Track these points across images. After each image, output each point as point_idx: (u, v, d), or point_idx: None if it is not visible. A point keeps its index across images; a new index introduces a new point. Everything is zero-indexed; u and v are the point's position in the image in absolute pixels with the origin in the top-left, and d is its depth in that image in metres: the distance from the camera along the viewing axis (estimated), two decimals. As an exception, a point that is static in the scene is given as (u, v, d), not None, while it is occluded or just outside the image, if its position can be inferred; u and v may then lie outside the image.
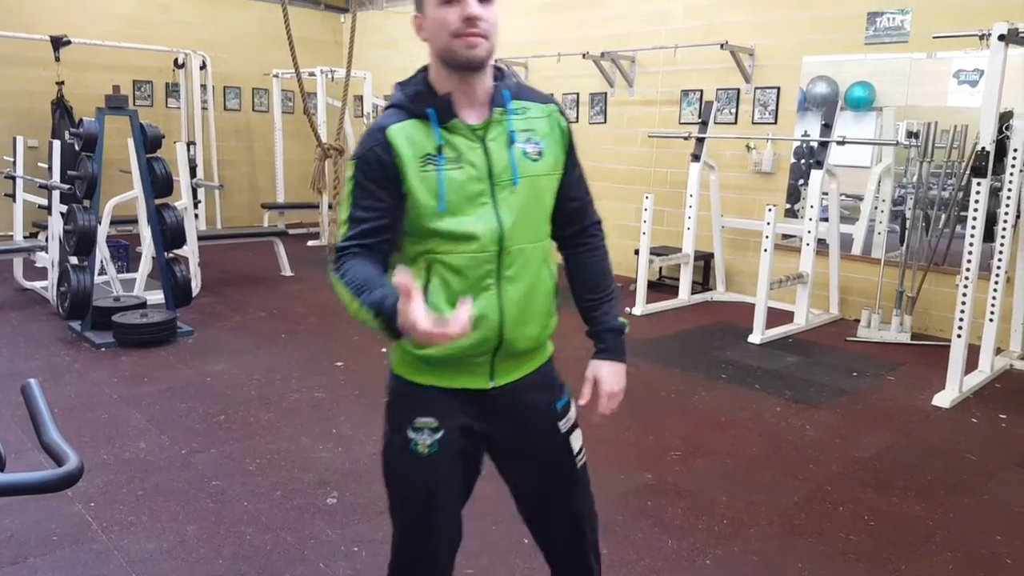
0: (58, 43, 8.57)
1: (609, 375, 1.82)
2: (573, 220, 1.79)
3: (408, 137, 1.57)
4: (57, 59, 8.59)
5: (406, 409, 1.71)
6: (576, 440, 1.83)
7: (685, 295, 7.01)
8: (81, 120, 5.56)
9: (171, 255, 5.72)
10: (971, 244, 4.53)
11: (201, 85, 9.82)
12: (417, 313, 1.34)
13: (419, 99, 1.60)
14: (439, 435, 1.68)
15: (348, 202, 1.60)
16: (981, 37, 4.58)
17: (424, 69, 1.66)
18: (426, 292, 1.59)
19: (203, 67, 9.79)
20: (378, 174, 1.57)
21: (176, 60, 9.83)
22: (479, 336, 1.60)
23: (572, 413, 1.84)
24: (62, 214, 5.70)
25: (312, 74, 9.45)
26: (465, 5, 1.50)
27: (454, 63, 1.56)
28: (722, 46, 6.87)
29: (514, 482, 1.86)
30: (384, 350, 5.89)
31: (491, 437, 1.76)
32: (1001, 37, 4.38)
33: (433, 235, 1.59)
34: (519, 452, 1.80)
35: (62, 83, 8.73)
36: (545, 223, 1.72)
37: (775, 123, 7.01)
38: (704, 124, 6.81)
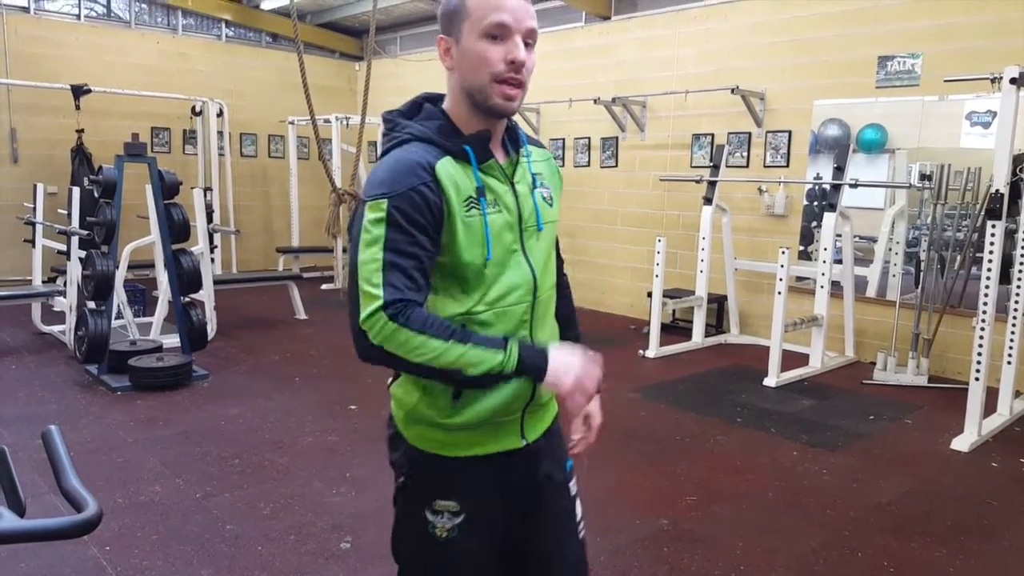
0: (78, 92, 8.75)
1: (596, 408, 1.63)
2: (558, 259, 1.73)
3: (451, 176, 1.40)
4: (77, 107, 8.78)
5: (424, 491, 1.56)
6: (579, 508, 1.72)
7: (699, 338, 6.99)
8: (101, 167, 5.65)
9: (187, 299, 5.77)
10: (987, 286, 4.51)
11: (218, 132, 9.98)
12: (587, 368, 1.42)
13: (446, 134, 1.44)
14: (459, 519, 1.53)
15: (378, 247, 1.35)
16: (993, 80, 4.61)
17: (428, 100, 1.51)
18: None
19: (220, 114, 9.97)
20: (421, 216, 1.36)
21: (194, 108, 10.01)
22: (515, 391, 1.50)
23: (575, 480, 1.74)
24: (80, 259, 5.77)
25: (327, 121, 9.60)
26: (512, 47, 1.38)
27: (484, 107, 1.42)
28: (733, 90, 6.94)
29: (520, 542, 1.64)
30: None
31: (514, 500, 1.61)
32: (1013, 80, 4.41)
33: (477, 289, 1.45)
34: (535, 511, 1.64)
35: (82, 131, 8.91)
36: (555, 269, 1.66)
37: (787, 166, 7.05)
38: (716, 167, 6.85)
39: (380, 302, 1.34)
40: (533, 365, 1.39)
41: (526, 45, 1.40)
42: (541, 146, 1.64)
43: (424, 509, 1.55)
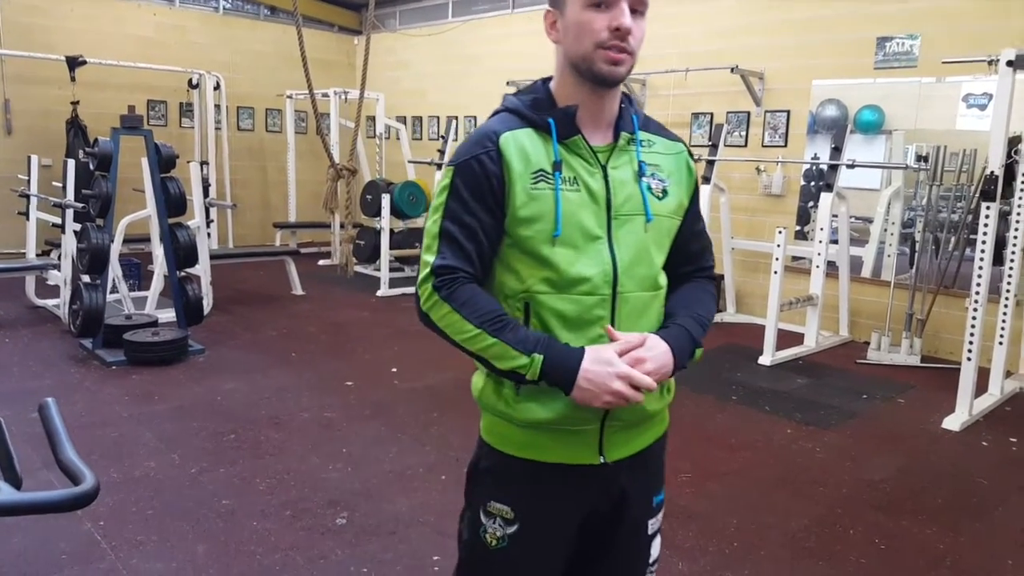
0: (74, 63, 8.67)
1: (648, 341, 1.36)
2: (688, 261, 1.54)
3: (520, 147, 1.36)
4: (73, 79, 8.69)
5: (484, 485, 1.47)
6: (655, 548, 1.57)
7: (694, 316, 6.99)
8: (96, 139, 5.62)
9: (183, 274, 5.76)
10: (980, 267, 4.53)
11: (215, 105, 9.92)
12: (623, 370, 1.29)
13: (538, 107, 1.40)
14: (512, 529, 1.42)
15: (439, 215, 1.37)
16: (990, 63, 4.59)
17: (544, 80, 1.46)
18: None
19: (217, 87, 9.89)
20: (480, 185, 1.35)
21: (191, 80, 9.94)
22: None
23: (660, 516, 1.58)
24: (75, 232, 5.75)
25: (325, 95, 9.54)
26: (618, 13, 1.31)
27: (590, 75, 1.36)
28: (732, 70, 6.90)
29: (575, 571, 1.55)
30: (394, 369, 5.82)
31: (582, 525, 1.49)
32: (1010, 63, 4.40)
33: (539, 268, 1.36)
34: (598, 540, 1.51)
35: (77, 103, 8.83)
36: (661, 271, 1.47)
37: (785, 146, 7.04)
38: (714, 147, 6.83)
39: (429, 268, 1.35)
40: (558, 379, 1.30)
41: (634, 12, 1.34)
42: (676, 140, 1.53)
43: (480, 508, 1.46)
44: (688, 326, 1.45)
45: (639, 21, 1.35)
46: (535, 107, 1.40)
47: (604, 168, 1.39)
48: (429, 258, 1.36)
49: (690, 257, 1.55)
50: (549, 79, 1.46)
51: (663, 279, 1.48)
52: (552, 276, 1.36)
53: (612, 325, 1.37)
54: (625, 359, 1.32)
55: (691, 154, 1.54)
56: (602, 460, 1.42)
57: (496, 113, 1.45)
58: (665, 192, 1.45)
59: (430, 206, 1.41)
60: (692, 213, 1.53)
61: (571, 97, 1.39)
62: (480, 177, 1.35)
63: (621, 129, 1.42)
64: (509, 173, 1.35)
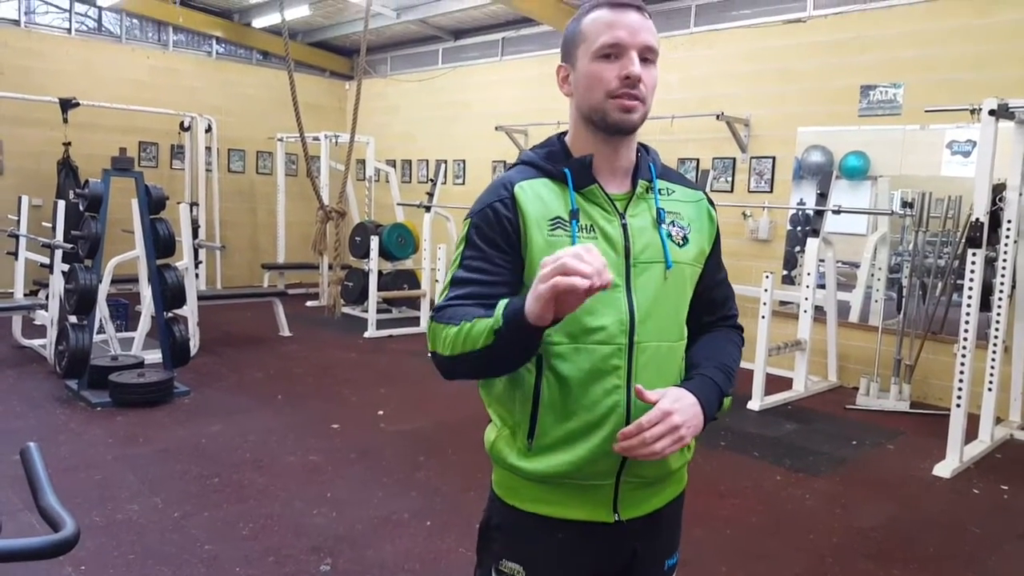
0: (67, 105, 8.73)
1: (674, 394, 1.30)
2: (711, 310, 1.55)
3: (537, 195, 1.36)
4: (65, 120, 8.74)
5: (496, 543, 1.45)
6: None
7: (683, 360, 6.99)
8: (87, 181, 5.63)
9: (170, 315, 5.73)
10: (968, 313, 4.55)
11: (206, 147, 9.97)
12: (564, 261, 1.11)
13: (553, 158, 1.41)
14: None
15: (455, 264, 1.38)
16: (972, 111, 4.67)
17: (559, 135, 1.47)
18: (536, 391, 1.35)
19: (208, 130, 9.95)
20: (496, 233, 1.35)
21: (182, 123, 10.00)
22: (597, 446, 1.34)
23: None
24: (64, 273, 5.73)
25: (316, 138, 9.60)
26: (627, 62, 1.32)
27: (603, 125, 1.36)
28: (718, 117, 7.00)
29: None
30: (381, 412, 5.76)
31: None
32: (992, 112, 4.47)
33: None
34: None
35: (69, 144, 8.87)
36: (683, 322, 1.46)
37: (771, 191, 7.11)
38: (701, 192, 6.89)
39: (435, 308, 1.36)
40: (513, 307, 1.20)
41: (644, 61, 1.34)
42: (697, 188, 1.52)
43: (492, 567, 1.45)
44: (713, 375, 1.41)
45: (650, 69, 1.35)
46: (550, 159, 1.41)
47: (622, 216, 1.39)
48: (439, 302, 1.36)
49: (713, 306, 1.55)
50: (564, 134, 1.47)
51: (684, 330, 1.46)
52: (566, 325, 1.29)
53: (629, 375, 1.34)
54: (652, 414, 1.26)
55: (711, 203, 1.53)
56: (616, 518, 1.40)
57: (513, 166, 1.46)
58: (686, 239, 1.44)
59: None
60: (714, 261, 1.52)
61: (586, 149, 1.39)
62: (494, 224, 1.35)
63: (639, 177, 1.41)
64: (524, 219, 1.34)
